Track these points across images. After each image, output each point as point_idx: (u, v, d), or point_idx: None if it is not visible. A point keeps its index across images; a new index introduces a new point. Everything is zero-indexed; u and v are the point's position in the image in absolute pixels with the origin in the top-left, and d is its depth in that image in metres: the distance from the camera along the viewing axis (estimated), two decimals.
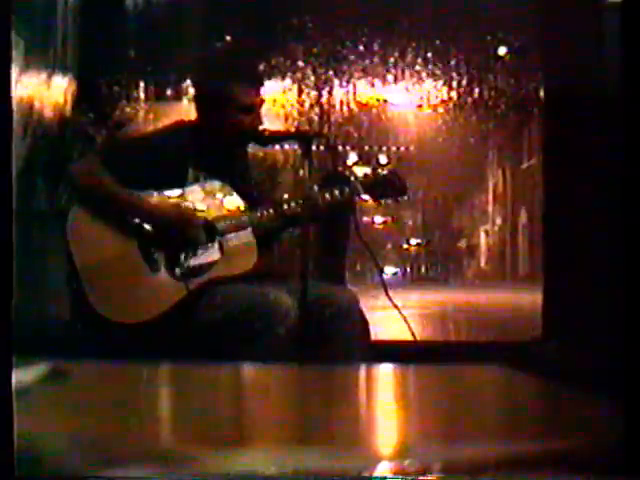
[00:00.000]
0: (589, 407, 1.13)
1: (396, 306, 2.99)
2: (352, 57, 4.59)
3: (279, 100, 4.51)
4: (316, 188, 2.87)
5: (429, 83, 4.63)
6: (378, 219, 5.06)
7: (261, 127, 2.91)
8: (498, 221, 5.94)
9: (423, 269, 4.98)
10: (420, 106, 4.71)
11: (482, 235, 5.76)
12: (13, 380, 0.94)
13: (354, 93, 4.63)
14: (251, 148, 3.19)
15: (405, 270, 4.95)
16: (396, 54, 4.60)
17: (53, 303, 3.60)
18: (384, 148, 4.87)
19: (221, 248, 2.85)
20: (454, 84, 4.62)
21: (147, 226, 2.79)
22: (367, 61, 4.61)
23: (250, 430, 1.04)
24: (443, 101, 4.66)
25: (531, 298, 4.23)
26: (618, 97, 1.09)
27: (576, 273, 3.83)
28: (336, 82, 4.59)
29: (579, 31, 3.92)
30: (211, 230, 2.85)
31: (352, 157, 4.80)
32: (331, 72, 4.59)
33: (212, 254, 2.83)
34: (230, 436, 0.99)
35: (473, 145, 4.94)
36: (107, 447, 0.87)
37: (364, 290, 4.42)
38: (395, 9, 4.55)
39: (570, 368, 3.11)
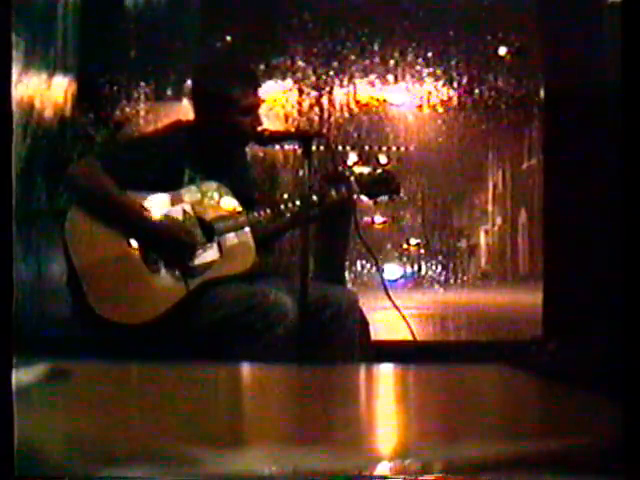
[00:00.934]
0: (589, 407, 1.13)
1: (396, 306, 2.99)
2: (352, 57, 4.59)
3: (279, 100, 4.51)
4: (315, 188, 2.87)
5: (429, 83, 4.63)
6: (378, 219, 5.05)
7: (261, 127, 2.91)
8: (498, 221, 5.95)
9: (423, 269, 4.97)
10: (420, 106, 4.71)
11: (482, 235, 5.77)
12: (13, 380, 0.94)
13: (354, 93, 4.63)
14: (251, 148, 3.19)
15: (405, 270, 4.95)
16: (396, 54, 4.60)
17: (53, 303, 3.60)
18: (384, 148, 4.87)
19: (220, 248, 2.85)
20: (454, 84, 4.62)
21: (146, 227, 2.79)
22: (367, 61, 4.61)
23: (250, 430, 1.04)
24: (443, 101, 4.66)
25: (531, 298, 4.23)
26: (618, 97, 1.09)
27: (576, 273, 3.84)
28: (336, 82, 4.59)
29: (579, 31, 3.92)
30: (209, 230, 2.85)
31: (352, 157, 4.80)
32: (331, 72, 4.59)
33: (211, 254, 2.83)
34: (230, 436, 0.99)
35: (473, 145, 4.94)
36: (107, 447, 0.87)
37: (364, 290, 4.42)
38: (395, 9, 4.55)
39: (570, 368, 3.11)
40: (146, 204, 2.81)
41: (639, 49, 1.07)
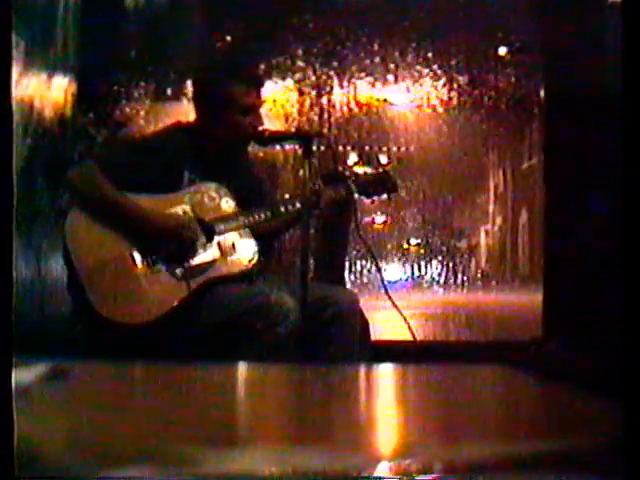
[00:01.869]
0: (589, 407, 1.13)
1: (396, 306, 2.99)
2: (352, 57, 4.59)
3: (279, 100, 4.51)
4: (315, 188, 2.87)
5: (429, 83, 4.63)
6: (378, 219, 5.06)
7: (261, 127, 2.91)
8: (498, 221, 5.95)
9: (423, 269, 4.97)
10: (420, 106, 4.71)
11: (482, 235, 5.77)
12: (13, 380, 0.94)
13: (354, 93, 4.63)
14: (251, 148, 3.19)
15: (405, 270, 4.95)
16: (396, 54, 4.60)
17: (54, 303, 3.60)
18: (384, 148, 4.87)
19: (220, 248, 2.85)
20: (454, 84, 4.62)
21: (146, 228, 2.79)
22: (367, 61, 4.60)
23: (251, 430, 1.04)
24: (443, 101, 4.66)
25: (531, 298, 4.23)
26: (618, 97, 1.09)
27: (576, 273, 3.83)
28: (336, 82, 4.59)
29: (579, 31, 3.92)
30: (209, 231, 2.85)
31: (352, 157, 4.80)
32: (331, 72, 4.58)
33: (211, 255, 2.83)
34: (230, 436, 0.99)
35: (473, 145, 4.94)
36: (107, 447, 0.87)
37: (364, 290, 4.42)
38: (395, 9, 4.55)
39: (570, 368, 3.11)
40: (146, 205, 2.81)
41: (639, 49, 1.07)
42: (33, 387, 1.15)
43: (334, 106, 4.60)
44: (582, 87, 3.82)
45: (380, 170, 3.21)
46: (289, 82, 4.56)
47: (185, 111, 3.68)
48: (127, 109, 4.46)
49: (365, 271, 4.64)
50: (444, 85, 4.62)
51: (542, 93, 4.25)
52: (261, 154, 4.35)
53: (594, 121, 3.77)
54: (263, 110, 2.97)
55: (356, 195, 3.01)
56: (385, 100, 4.74)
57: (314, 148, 2.79)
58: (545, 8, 4.13)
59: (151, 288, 2.76)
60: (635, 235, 1.06)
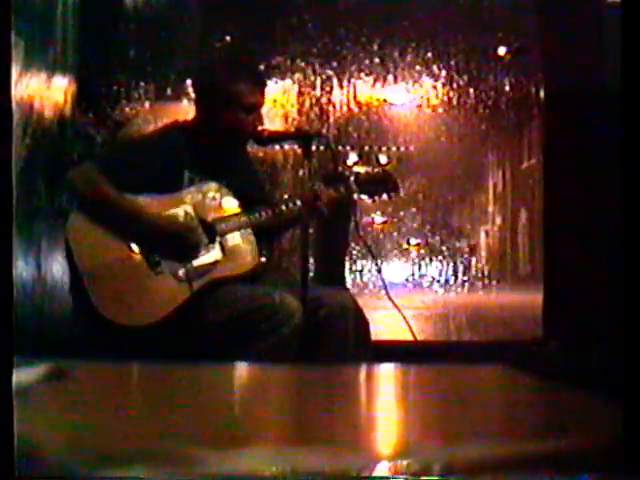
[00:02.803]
0: (589, 407, 1.13)
1: (397, 306, 3.00)
2: (352, 57, 4.59)
3: (279, 100, 4.51)
4: (315, 188, 2.87)
5: (429, 83, 4.63)
6: (378, 219, 5.06)
7: (261, 127, 2.91)
8: (498, 221, 5.95)
9: (423, 269, 4.97)
10: (420, 106, 4.71)
11: (482, 235, 5.77)
12: (13, 380, 0.94)
13: (354, 93, 4.63)
14: (251, 148, 3.20)
15: (405, 270, 4.95)
16: (396, 54, 4.60)
17: (55, 304, 3.60)
18: (384, 148, 4.87)
19: (222, 249, 2.85)
20: (454, 84, 4.62)
21: (148, 228, 2.79)
22: (367, 61, 4.61)
23: (252, 430, 1.04)
24: (443, 101, 4.66)
25: (531, 298, 4.23)
26: (618, 97, 1.09)
27: (576, 273, 3.84)
28: (336, 82, 4.59)
29: (579, 31, 3.92)
30: (211, 231, 2.85)
31: (352, 157, 4.80)
32: (331, 72, 4.59)
33: (213, 255, 2.83)
34: (231, 436, 0.99)
35: (473, 145, 4.94)
36: (107, 447, 0.87)
37: (364, 290, 4.42)
38: (395, 9, 4.55)
39: (570, 368, 3.11)
40: (148, 205, 2.81)
41: (639, 49, 1.07)
42: (33, 387, 1.15)
43: (334, 106, 4.60)
44: (582, 87, 3.82)
45: (381, 170, 3.20)
46: (289, 82, 4.56)
47: (185, 111, 3.68)
48: (127, 109, 4.46)
49: (365, 271, 4.64)
50: (444, 85, 4.62)
51: (542, 93, 4.25)
52: (261, 154, 4.35)
53: (594, 121, 3.77)
54: (263, 110, 2.97)
55: (356, 195, 3.01)
56: (385, 100, 4.74)
57: (314, 148, 2.79)
58: (545, 8, 4.13)
59: (153, 289, 2.76)
60: (635, 235, 1.06)
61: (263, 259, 2.89)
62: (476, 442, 0.92)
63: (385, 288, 3.06)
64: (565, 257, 3.90)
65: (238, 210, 2.92)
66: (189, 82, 4.30)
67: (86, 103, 4.20)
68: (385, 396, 1.41)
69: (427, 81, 4.62)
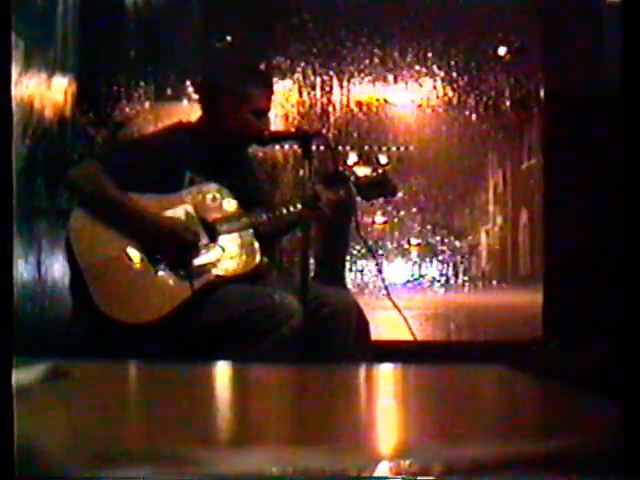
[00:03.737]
0: (589, 407, 1.13)
1: (397, 306, 3.00)
2: (352, 57, 4.59)
3: (279, 100, 4.51)
4: (316, 188, 2.87)
5: (429, 83, 4.63)
6: (379, 219, 5.06)
7: (267, 128, 2.92)
8: (499, 221, 5.95)
9: (423, 269, 4.97)
10: (420, 106, 4.71)
11: (483, 235, 5.77)
12: (13, 380, 0.94)
13: (354, 93, 4.63)
14: (251, 148, 3.20)
15: (405, 270, 4.96)
16: (396, 54, 4.60)
17: (55, 302, 3.60)
18: (384, 148, 4.87)
19: (222, 249, 2.85)
20: (454, 84, 4.62)
21: (149, 227, 2.79)
22: (367, 61, 4.61)
23: (251, 430, 1.04)
24: (443, 101, 4.66)
25: (531, 298, 4.23)
26: (618, 97, 1.09)
27: (576, 273, 3.84)
28: (336, 82, 4.59)
29: (579, 31, 3.92)
30: (212, 231, 2.85)
31: (352, 157, 4.80)
32: (331, 72, 4.59)
33: (214, 255, 2.83)
34: (231, 436, 0.99)
35: (473, 145, 4.94)
36: (107, 447, 0.87)
37: (364, 290, 4.42)
38: (395, 9, 4.55)
39: (570, 368, 3.11)
40: (149, 204, 2.81)
41: (639, 49, 1.07)
42: (33, 387, 1.15)
43: (334, 106, 4.60)
44: (582, 87, 3.82)
45: (380, 173, 3.20)
46: (289, 82, 4.56)
47: (186, 111, 3.68)
48: (127, 109, 4.46)
49: (366, 271, 4.64)
50: (444, 85, 4.63)
51: (542, 93, 4.25)
52: (261, 154, 4.35)
53: (594, 121, 3.77)
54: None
55: (350, 196, 3.01)
56: (385, 100, 4.74)
57: (314, 148, 2.79)
58: (545, 8, 4.13)
59: (154, 288, 2.76)
60: (635, 235, 1.06)
61: (263, 259, 2.89)
62: (476, 442, 0.92)
63: (385, 288, 3.06)
64: (565, 257, 3.90)
65: (239, 211, 2.92)
66: (195, 83, 4.30)
67: (86, 103, 4.20)
68: (385, 396, 1.41)
69: (427, 81, 4.63)
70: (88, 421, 1.01)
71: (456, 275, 5.04)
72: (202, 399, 1.24)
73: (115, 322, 2.69)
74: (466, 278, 5.09)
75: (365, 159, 4.79)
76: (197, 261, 2.80)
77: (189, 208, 2.86)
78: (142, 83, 4.49)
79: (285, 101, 4.56)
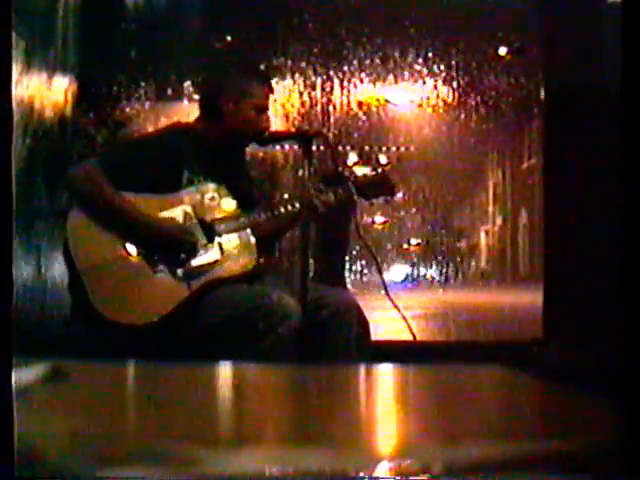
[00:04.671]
0: (589, 407, 1.13)
1: (396, 306, 3.00)
2: (352, 57, 4.59)
3: (279, 100, 4.51)
4: (315, 188, 2.87)
5: (429, 83, 4.63)
6: (378, 219, 5.06)
7: (267, 128, 2.92)
8: (499, 221, 5.95)
9: (423, 269, 4.97)
10: (420, 106, 4.72)
11: (482, 235, 5.77)
12: (13, 380, 0.94)
13: (354, 93, 4.63)
14: (250, 148, 3.20)
15: (405, 270, 4.96)
16: (396, 54, 4.60)
17: (54, 303, 3.60)
18: (384, 148, 4.87)
19: (221, 249, 2.85)
20: (454, 84, 4.62)
21: (147, 228, 2.79)
22: (367, 61, 4.61)
23: (251, 430, 1.04)
24: (443, 101, 4.66)
25: (531, 298, 4.23)
26: (618, 97, 1.09)
27: (576, 273, 3.84)
28: (336, 82, 4.59)
29: (579, 31, 3.92)
30: (210, 231, 2.85)
31: (352, 157, 4.80)
32: (331, 72, 4.59)
33: (212, 255, 2.83)
34: (231, 436, 0.99)
35: (473, 145, 4.94)
36: (107, 447, 0.87)
37: (364, 290, 4.42)
38: (395, 9, 4.55)
39: (570, 368, 3.11)
40: (147, 205, 2.81)
41: (639, 49, 1.07)
42: (33, 387, 1.15)
43: (334, 106, 4.60)
44: (582, 87, 3.82)
45: (380, 173, 3.20)
46: (289, 82, 4.56)
47: (186, 111, 3.67)
48: (127, 109, 4.46)
49: (365, 271, 4.64)
50: (444, 85, 4.63)
51: (542, 93, 4.25)
52: (261, 154, 4.35)
53: (594, 121, 3.77)
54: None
55: (350, 196, 3.01)
56: (385, 100, 4.74)
57: (314, 148, 2.79)
58: (545, 8, 4.13)
59: (152, 288, 2.76)
60: (635, 235, 1.06)
61: (262, 260, 2.89)
62: (476, 442, 0.92)
63: (385, 288, 3.06)
64: (565, 257, 3.90)
65: (237, 211, 2.92)
66: (194, 83, 4.31)
67: (86, 103, 4.20)
68: (385, 396, 1.41)
69: (427, 81, 4.63)
70: (88, 421, 1.01)
71: (456, 275, 5.05)
72: (201, 399, 1.24)
73: (112, 323, 2.69)
74: (466, 278, 5.09)
75: (365, 159, 4.79)
76: (195, 261, 2.80)
77: (187, 208, 2.86)
78: (142, 83, 4.49)
79: (285, 101, 4.56)
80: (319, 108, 4.59)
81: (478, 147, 5.04)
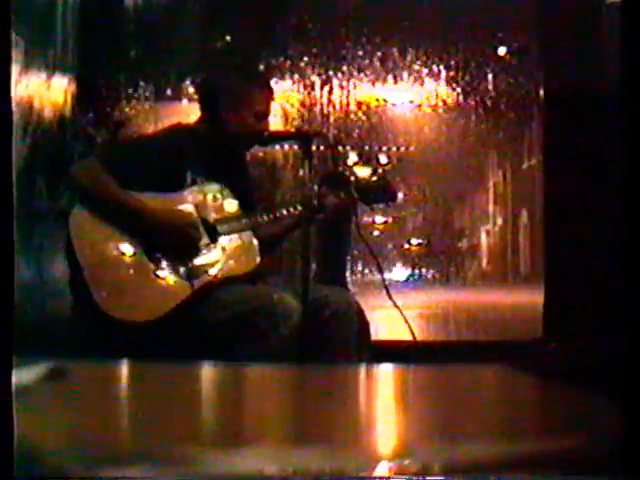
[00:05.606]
0: (589, 407, 1.13)
1: (397, 306, 3.00)
2: (352, 57, 4.59)
3: (279, 100, 4.50)
4: (316, 189, 2.87)
5: (429, 83, 4.63)
6: (379, 219, 5.06)
7: (267, 129, 2.93)
8: (499, 221, 5.95)
9: (424, 269, 4.97)
10: (420, 106, 4.71)
11: (483, 235, 5.77)
12: (13, 380, 0.94)
13: (354, 93, 4.63)
14: (252, 149, 3.20)
15: (406, 270, 4.96)
16: (396, 54, 4.60)
17: (56, 301, 3.60)
18: (384, 148, 4.87)
19: (223, 249, 2.85)
20: (454, 84, 4.62)
21: (150, 227, 2.79)
22: (367, 61, 4.60)
23: (251, 430, 1.04)
24: (443, 101, 4.66)
25: (532, 298, 4.22)
26: (618, 97, 1.09)
27: (577, 273, 3.84)
28: (336, 82, 4.59)
29: (579, 31, 3.92)
30: (212, 231, 2.86)
31: (352, 157, 4.80)
32: (331, 72, 4.58)
33: (214, 255, 2.84)
34: (231, 436, 0.99)
35: (473, 145, 4.94)
36: (107, 447, 0.87)
37: (365, 290, 4.41)
38: (395, 9, 4.55)
39: (570, 368, 3.11)
40: (150, 203, 2.81)
41: (639, 49, 1.07)
42: (33, 387, 1.15)
43: (334, 106, 4.60)
44: (582, 87, 3.82)
45: (381, 178, 3.20)
46: (289, 82, 4.56)
47: (186, 111, 3.67)
48: (127, 109, 4.46)
49: (366, 271, 4.64)
50: (444, 85, 4.62)
51: (542, 93, 4.25)
52: (261, 154, 4.35)
53: (594, 121, 3.77)
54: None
55: (351, 201, 3.01)
56: (385, 100, 4.74)
57: (314, 148, 2.79)
58: (545, 8, 4.13)
59: (154, 287, 2.77)
60: (635, 235, 1.06)
61: (264, 260, 2.90)
62: (476, 442, 0.92)
63: (385, 288, 3.06)
64: (565, 257, 3.90)
65: (239, 212, 2.92)
66: (197, 84, 4.30)
67: (86, 103, 4.19)
68: (385, 396, 1.41)
69: (427, 81, 4.62)
70: (88, 421, 1.01)
71: (456, 275, 5.04)
72: (201, 399, 1.24)
73: (114, 321, 2.70)
74: (466, 278, 5.08)
75: (365, 159, 4.79)
76: (197, 261, 2.81)
77: (190, 208, 2.86)
78: (142, 83, 4.49)
79: (285, 101, 4.55)
80: (319, 108, 4.59)
81: (478, 147, 5.04)
